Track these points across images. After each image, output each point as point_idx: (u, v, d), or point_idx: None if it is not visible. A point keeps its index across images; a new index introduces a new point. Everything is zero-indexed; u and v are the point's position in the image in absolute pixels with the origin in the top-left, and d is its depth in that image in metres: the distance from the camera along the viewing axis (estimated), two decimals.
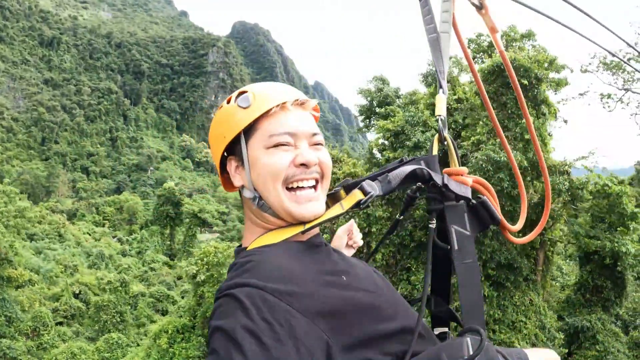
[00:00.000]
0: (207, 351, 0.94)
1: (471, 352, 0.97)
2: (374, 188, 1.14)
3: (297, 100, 1.17)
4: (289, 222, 1.15)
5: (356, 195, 1.14)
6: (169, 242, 54.48)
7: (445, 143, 1.27)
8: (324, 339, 0.92)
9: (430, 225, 1.18)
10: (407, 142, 15.34)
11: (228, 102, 1.20)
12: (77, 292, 30.02)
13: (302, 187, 1.13)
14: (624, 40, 1.61)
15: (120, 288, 25.17)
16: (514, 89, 1.35)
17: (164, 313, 28.22)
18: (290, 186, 1.12)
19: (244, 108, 1.13)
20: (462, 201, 1.16)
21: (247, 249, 1.13)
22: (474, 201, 1.20)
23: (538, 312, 14.60)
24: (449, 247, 1.17)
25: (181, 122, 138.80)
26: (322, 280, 1.03)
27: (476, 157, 13.90)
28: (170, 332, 18.76)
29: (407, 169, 1.16)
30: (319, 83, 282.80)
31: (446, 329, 1.30)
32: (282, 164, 1.11)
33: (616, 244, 13.82)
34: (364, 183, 1.15)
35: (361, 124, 20.44)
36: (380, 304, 1.08)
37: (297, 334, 0.88)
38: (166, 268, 44.99)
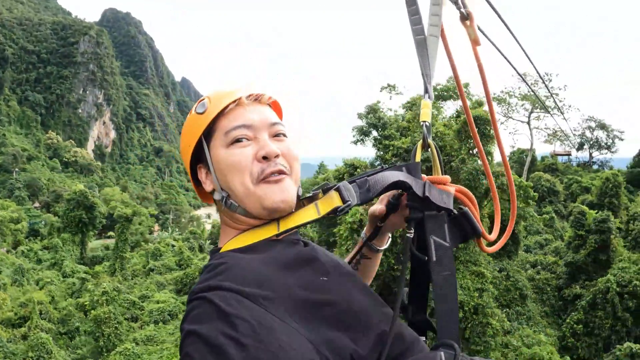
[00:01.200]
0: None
1: None
2: (351, 195, 1.10)
3: (251, 95, 1.17)
4: (260, 219, 1.12)
5: (334, 200, 1.10)
6: (80, 251, 49.51)
7: (429, 150, 1.22)
8: (303, 339, 0.90)
9: (407, 235, 1.15)
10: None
11: (190, 113, 1.21)
12: (39, 312, 26.36)
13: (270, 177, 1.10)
14: (535, 68, 1.62)
15: (116, 297, 23.08)
16: (488, 106, 1.44)
17: (135, 320, 26.52)
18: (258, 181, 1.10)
19: (201, 113, 1.14)
20: (442, 211, 1.12)
21: (221, 250, 1.12)
22: (455, 212, 1.15)
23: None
24: (426, 258, 1.12)
25: (46, 117, 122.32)
26: (297, 282, 1.00)
27: (467, 167, 17.20)
28: None
29: (389, 179, 1.12)
30: (186, 80, 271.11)
31: (423, 339, 1.24)
32: (245, 160, 1.09)
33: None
34: (341, 186, 1.12)
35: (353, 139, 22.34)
36: (360, 308, 1.05)
37: (275, 336, 0.86)
38: (93, 278, 41.11)
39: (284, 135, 1.18)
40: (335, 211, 1.08)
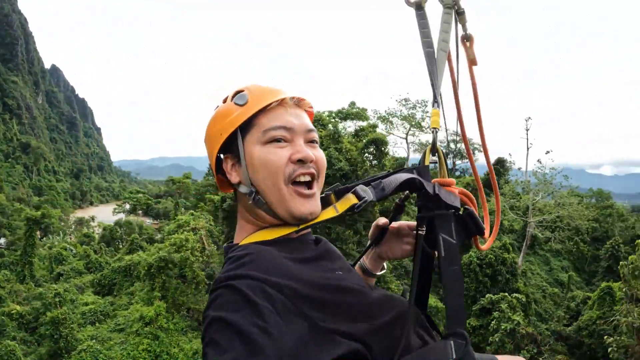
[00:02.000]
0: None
1: (454, 356, 0.98)
2: (367, 193, 1.16)
3: (294, 97, 1.20)
4: (282, 220, 1.15)
5: (350, 199, 1.16)
6: None
7: (437, 155, 1.27)
8: (323, 328, 0.95)
9: (419, 232, 1.20)
10: None
11: (224, 101, 1.21)
12: None
13: (300, 183, 1.14)
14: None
15: (69, 299, 23.14)
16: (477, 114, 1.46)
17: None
18: (291, 182, 1.13)
19: (241, 105, 1.15)
20: (450, 210, 1.18)
21: (240, 244, 1.14)
22: (461, 211, 1.22)
23: None
24: (436, 253, 1.20)
25: None
26: (316, 274, 1.06)
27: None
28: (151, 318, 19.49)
29: (402, 177, 1.19)
30: (57, 68, 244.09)
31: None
32: (280, 160, 1.11)
33: None
34: (357, 188, 1.18)
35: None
36: (373, 300, 1.10)
37: (299, 325, 0.92)
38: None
39: (317, 142, 1.22)
40: (353, 208, 1.15)
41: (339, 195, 1.22)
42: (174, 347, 19.34)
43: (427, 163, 1.27)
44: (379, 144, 27.65)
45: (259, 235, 1.15)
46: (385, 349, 1.04)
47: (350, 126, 33.00)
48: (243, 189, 1.17)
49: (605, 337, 18.75)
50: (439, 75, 1.30)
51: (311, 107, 1.28)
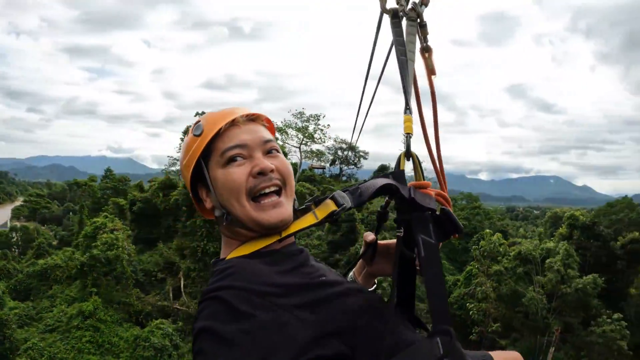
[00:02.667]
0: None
1: (442, 351, 0.97)
2: (345, 200, 1.19)
3: (246, 115, 1.23)
4: (260, 232, 1.18)
5: (329, 205, 1.19)
6: None
7: (410, 159, 1.30)
8: (310, 332, 0.96)
9: (397, 235, 1.23)
10: None
11: (188, 135, 1.26)
12: None
13: (266, 195, 1.17)
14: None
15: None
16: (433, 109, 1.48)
17: None
18: (255, 196, 1.16)
19: (198, 135, 1.21)
20: (427, 212, 1.19)
21: (226, 258, 1.16)
22: (438, 212, 1.22)
23: None
24: (414, 255, 1.21)
25: None
26: (300, 280, 1.09)
27: None
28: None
29: (378, 182, 1.21)
30: None
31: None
32: (239, 178, 1.16)
33: None
34: (335, 194, 1.21)
35: None
36: (355, 303, 1.11)
37: (283, 330, 0.93)
38: None
39: (277, 151, 1.25)
40: (332, 215, 1.17)
41: (318, 204, 1.24)
42: (114, 337, 20.96)
43: (402, 168, 1.30)
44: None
45: (242, 249, 1.18)
46: (370, 346, 1.05)
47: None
48: (217, 212, 1.24)
49: (467, 304, 24.62)
50: (410, 82, 1.35)
51: (268, 121, 1.31)
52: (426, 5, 1.47)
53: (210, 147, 1.20)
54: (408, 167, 1.33)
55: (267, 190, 1.18)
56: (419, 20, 1.46)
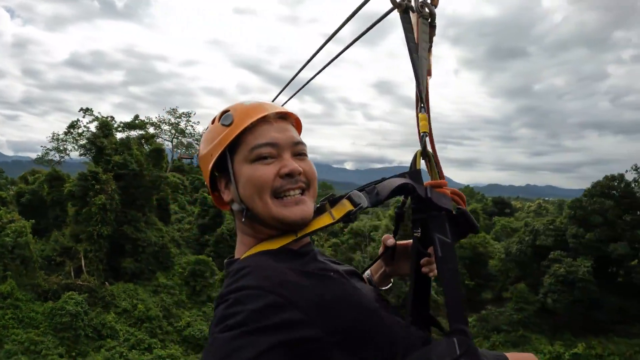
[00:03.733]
0: None
1: (459, 352, 0.98)
2: (362, 199, 1.18)
3: (278, 112, 1.21)
4: (279, 230, 1.17)
5: (345, 205, 1.19)
6: None
7: (427, 159, 1.30)
8: (321, 336, 0.96)
9: (414, 234, 1.23)
10: None
11: (213, 122, 1.24)
12: None
13: (289, 195, 1.15)
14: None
15: None
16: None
17: None
18: (278, 196, 1.15)
19: (227, 125, 1.18)
20: (443, 211, 1.19)
21: (241, 258, 1.15)
22: (454, 211, 1.21)
23: None
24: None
25: None
26: (314, 280, 1.07)
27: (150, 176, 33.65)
28: None
29: (395, 182, 1.21)
30: None
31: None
32: (266, 177, 1.13)
33: None
34: (351, 194, 1.21)
35: None
36: (369, 300, 1.13)
37: (295, 331, 0.93)
38: None
39: (305, 154, 1.23)
40: (348, 214, 1.17)
41: (334, 203, 1.23)
42: (31, 312, 24.70)
43: (417, 167, 1.29)
44: (159, 151, 37.47)
45: (258, 248, 1.16)
46: (384, 345, 1.06)
47: (134, 134, 41.52)
48: (235, 206, 1.21)
49: None
50: (424, 81, 1.33)
51: (297, 120, 1.29)
52: (435, 6, 1.46)
53: (238, 140, 1.18)
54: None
55: (292, 194, 1.17)
56: (429, 20, 1.43)
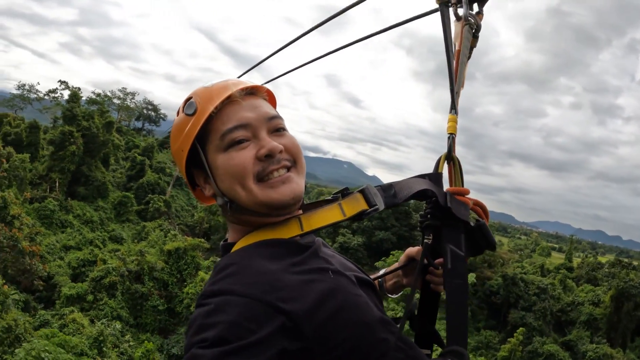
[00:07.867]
0: None
1: None
2: (378, 199, 1.09)
3: (244, 88, 1.10)
4: (271, 214, 1.07)
5: (359, 201, 1.08)
6: None
7: (451, 163, 1.23)
8: (311, 348, 0.88)
9: (425, 241, 1.15)
10: None
11: (178, 113, 1.13)
12: None
13: (275, 176, 1.05)
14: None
15: None
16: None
17: None
18: (263, 179, 1.05)
19: (191, 115, 1.07)
20: (461, 222, 1.12)
21: (233, 248, 1.07)
22: (472, 224, 1.14)
23: None
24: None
25: None
26: (306, 280, 0.95)
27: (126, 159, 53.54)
28: None
29: (416, 185, 1.14)
30: None
31: (428, 352, 1.22)
32: (244, 164, 1.03)
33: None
34: (366, 190, 1.10)
35: None
36: (366, 304, 1.01)
37: (280, 344, 0.84)
38: None
39: (284, 128, 1.11)
40: (361, 215, 1.06)
41: (345, 196, 1.13)
42: (26, 209, 44.32)
43: (440, 170, 1.21)
44: (110, 123, 54.81)
45: (255, 236, 1.06)
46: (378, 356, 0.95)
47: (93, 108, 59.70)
48: (219, 200, 1.11)
49: None
50: (458, 80, 1.29)
51: (269, 93, 1.18)
52: (480, 20, 1.42)
53: (207, 128, 1.07)
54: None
55: (276, 174, 1.06)
56: (474, 29, 1.40)
